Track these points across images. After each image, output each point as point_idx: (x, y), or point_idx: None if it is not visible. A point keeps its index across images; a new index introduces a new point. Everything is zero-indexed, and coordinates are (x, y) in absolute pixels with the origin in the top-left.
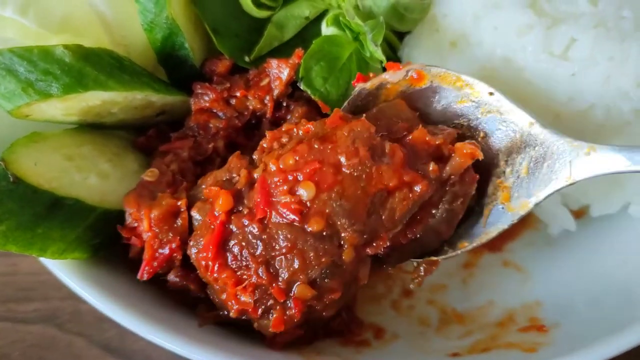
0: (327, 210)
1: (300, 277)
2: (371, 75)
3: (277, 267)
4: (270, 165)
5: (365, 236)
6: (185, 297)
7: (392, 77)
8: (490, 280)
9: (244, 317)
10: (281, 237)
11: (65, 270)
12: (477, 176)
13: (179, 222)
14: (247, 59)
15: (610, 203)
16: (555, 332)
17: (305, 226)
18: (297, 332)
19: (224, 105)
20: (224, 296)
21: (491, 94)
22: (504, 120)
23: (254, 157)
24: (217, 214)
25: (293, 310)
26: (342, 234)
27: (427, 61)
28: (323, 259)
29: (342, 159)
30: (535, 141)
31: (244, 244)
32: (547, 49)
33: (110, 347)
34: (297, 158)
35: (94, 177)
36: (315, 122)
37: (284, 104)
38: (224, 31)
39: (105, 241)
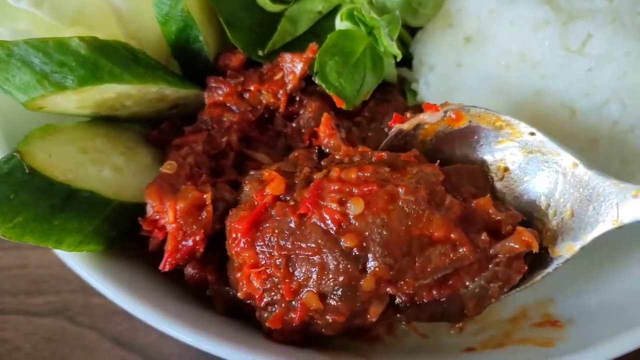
0: (365, 233)
1: (313, 284)
2: (408, 115)
3: (296, 265)
4: (333, 172)
5: (391, 272)
6: (201, 290)
7: (430, 117)
8: None
9: (248, 301)
10: (312, 239)
11: (79, 262)
12: (526, 267)
13: (204, 214)
14: (260, 53)
15: None
16: (569, 328)
17: (339, 238)
18: (294, 336)
19: (238, 99)
20: (238, 274)
21: (532, 134)
22: (547, 160)
23: (322, 162)
24: (265, 194)
25: (295, 314)
26: (370, 261)
27: (440, 57)
28: (341, 277)
29: (401, 192)
30: (580, 183)
31: (276, 231)
32: (563, 44)
33: (122, 341)
34: (360, 175)
35: (108, 170)
36: (389, 153)
37: (297, 99)
38: (237, 24)
39: (121, 233)
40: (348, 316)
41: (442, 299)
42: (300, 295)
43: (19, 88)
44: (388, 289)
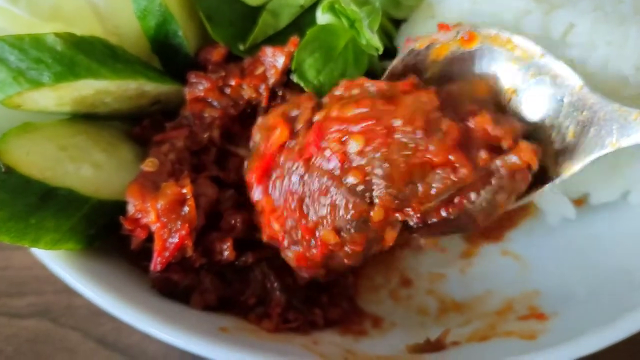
0: (367, 168)
1: (328, 222)
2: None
3: (309, 207)
4: (332, 111)
5: (397, 201)
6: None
7: (443, 37)
8: (488, 269)
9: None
10: (319, 181)
11: (59, 263)
12: (530, 176)
13: (186, 209)
14: (241, 47)
15: (610, 191)
16: (554, 320)
17: (343, 178)
18: (319, 270)
19: (219, 95)
20: (261, 220)
21: (542, 55)
22: (554, 82)
23: (323, 100)
24: (270, 143)
25: (316, 250)
26: (375, 193)
27: None
28: (352, 212)
29: (397, 123)
30: (584, 105)
31: (286, 178)
32: (545, 33)
33: (106, 341)
34: (357, 111)
35: (88, 167)
36: (388, 82)
37: (280, 93)
38: (218, 19)
39: (100, 232)
40: (365, 245)
41: (451, 217)
42: (319, 233)
43: None
44: (397, 215)
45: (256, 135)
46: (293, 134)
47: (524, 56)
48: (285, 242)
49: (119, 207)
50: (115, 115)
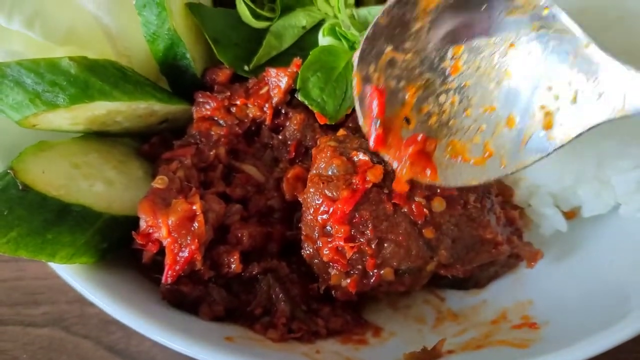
0: (442, 227)
1: (395, 263)
2: None
3: (384, 245)
4: None
5: (451, 260)
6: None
7: None
8: None
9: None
10: (402, 227)
11: (72, 274)
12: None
13: (196, 225)
14: (246, 67)
15: (601, 204)
16: (546, 329)
17: (422, 229)
18: (353, 296)
19: (225, 113)
20: (319, 243)
21: (547, 8)
22: (557, 38)
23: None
24: (367, 180)
25: (367, 281)
26: (440, 250)
27: None
28: (419, 261)
29: (472, 199)
30: (590, 66)
31: (374, 215)
32: None
33: (116, 349)
34: None
35: (100, 184)
36: None
37: (283, 111)
38: (224, 41)
39: (113, 245)
40: (409, 287)
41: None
42: (382, 271)
43: (13, 107)
44: (442, 271)
45: (331, 161)
46: (384, 177)
47: (525, 6)
48: (346, 270)
49: (130, 222)
50: (125, 133)
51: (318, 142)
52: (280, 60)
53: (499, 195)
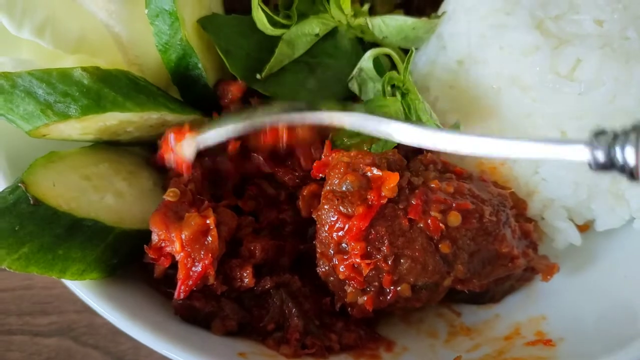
0: (459, 242)
1: (412, 279)
2: None
3: (401, 261)
4: (431, 183)
5: (468, 275)
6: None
7: None
8: None
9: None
10: (418, 242)
11: (82, 288)
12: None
13: (209, 239)
14: (258, 76)
15: (614, 218)
16: (561, 346)
17: (438, 244)
18: (369, 313)
19: None
20: (335, 260)
21: None
22: None
23: (409, 164)
24: (382, 195)
25: (384, 298)
26: (456, 265)
27: (434, 79)
28: (436, 276)
29: (487, 212)
30: None
31: (390, 231)
32: (553, 69)
33: None
34: (453, 192)
35: (110, 197)
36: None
37: None
38: (235, 52)
39: (122, 260)
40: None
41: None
42: (399, 287)
43: (23, 117)
44: (458, 286)
45: (344, 177)
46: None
47: None
48: (363, 286)
49: (140, 235)
50: (135, 142)
51: (330, 158)
52: (291, 68)
53: (513, 208)
